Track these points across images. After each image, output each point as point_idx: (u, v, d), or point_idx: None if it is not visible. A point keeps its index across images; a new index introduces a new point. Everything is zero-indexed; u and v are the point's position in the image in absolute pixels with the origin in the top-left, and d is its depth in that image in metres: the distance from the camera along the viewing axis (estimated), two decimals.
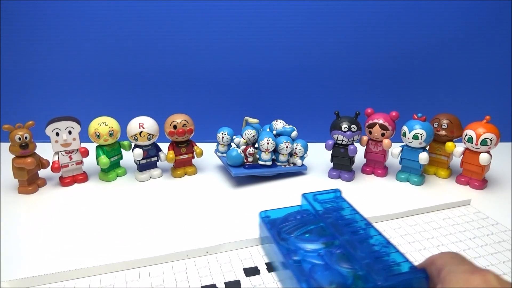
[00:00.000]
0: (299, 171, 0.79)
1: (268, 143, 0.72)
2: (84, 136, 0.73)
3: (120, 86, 0.99)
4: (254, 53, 0.98)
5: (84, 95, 0.99)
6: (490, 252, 0.52)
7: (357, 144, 0.75)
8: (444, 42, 0.98)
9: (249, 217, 0.60)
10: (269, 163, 0.74)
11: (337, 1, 0.94)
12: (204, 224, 0.59)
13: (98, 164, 0.73)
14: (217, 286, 0.46)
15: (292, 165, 0.77)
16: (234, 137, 0.77)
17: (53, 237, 0.56)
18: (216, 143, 0.79)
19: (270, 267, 0.49)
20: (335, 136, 0.73)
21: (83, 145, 0.74)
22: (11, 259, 0.50)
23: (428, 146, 0.76)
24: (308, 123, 0.92)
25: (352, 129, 0.72)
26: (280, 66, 0.99)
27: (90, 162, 0.76)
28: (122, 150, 0.78)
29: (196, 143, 0.79)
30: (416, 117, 0.72)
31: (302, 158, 0.78)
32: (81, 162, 0.75)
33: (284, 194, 0.70)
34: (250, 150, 0.73)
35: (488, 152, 0.69)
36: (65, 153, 0.72)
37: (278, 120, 0.79)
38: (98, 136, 0.72)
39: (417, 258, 0.51)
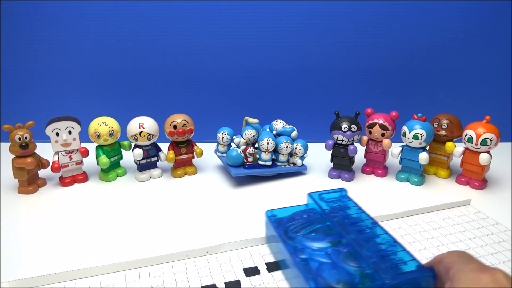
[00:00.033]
0: (299, 171, 0.79)
1: (268, 143, 0.72)
2: (84, 136, 0.73)
3: (120, 86, 0.99)
4: (254, 53, 0.98)
5: (84, 95, 0.99)
6: (490, 252, 0.52)
7: (357, 144, 0.75)
8: (444, 42, 0.98)
9: (249, 217, 0.61)
10: (269, 163, 0.74)
11: (337, 1, 0.94)
12: (204, 224, 0.59)
13: (98, 164, 0.73)
14: (217, 286, 0.46)
15: (292, 165, 0.77)
16: (234, 137, 0.77)
17: (53, 237, 0.56)
18: (216, 143, 0.79)
19: (270, 267, 0.49)
20: (335, 136, 0.73)
21: (83, 145, 0.74)
22: (11, 259, 0.50)
23: (428, 146, 0.76)
24: (308, 123, 0.92)
25: (352, 129, 0.72)
26: (280, 66, 0.99)
27: (90, 162, 0.76)
28: (122, 150, 0.78)
29: (196, 143, 0.79)
30: (416, 117, 0.72)
31: (302, 158, 0.78)
32: (81, 162, 0.75)
33: (284, 194, 0.70)
34: (250, 150, 0.73)
35: (488, 152, 0.69)
36: (65, 153, 0.72)
37: (278, 120, 0.79)
38: (98, 136, 0.72)
39: (417, 258, 0.50)
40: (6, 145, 0.68)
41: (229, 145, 0.77)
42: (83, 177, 0.75)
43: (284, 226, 0.49)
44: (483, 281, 0.31)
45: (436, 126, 0.75)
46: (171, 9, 0.94)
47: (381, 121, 0.74)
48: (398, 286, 0.36)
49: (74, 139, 0.72)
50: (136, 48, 0.96)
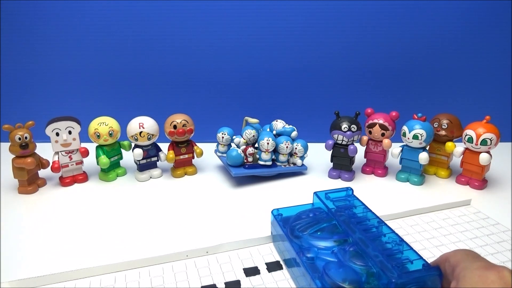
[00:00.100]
0: (299, 171, 0.79)
1: (268, 143, 0.72)
2: (84, 136, 0.73)
3: (120, 86, 0.99)
4: (254, 53, 0.98)
5: (84, 95, 0.99)
6: (490, 252, 0.52)
7: (357, 144, 0.75)
8: (444, 42, 0.98)
9: (249, 217, 0.61)
10: (269, 163, 0.74)
11: (337, 1, 0.94)
12: (204, 224, 0.59)
13: (98, 164, 0.73)
14: (217, 286, 0.46)
15: (292, 165, 0.77)
16: (234, 137, 0.77)
17: (53, 237, 0.56)
18: (216, 143, 0.79)
19: (270, 267, 0.49)
20: (335, 136, 0.73)
21: (83, 145, 0.74)
22: (11, 259, 0.50)
23: (428, 146, 0.76)
24: (308, 123, 0.92)
25: (352, 129, 0.72)
26: (280, 66, 0.99)
27: (90, 162, 0.76)
28: (122, 150, 0.78)
29: (196, 143, 0.79)
30: (416, 117, 0.72)
31: (302, 158, 0.78)
32: (81, 162, 0.75)
33: (284, 194, 0.70)
34: (250, 150, 0.73)
35: (488, 152, 0.69)
36: (65, 153, 0.72)
37: (278, 120, 0.79)
38: (98, 136, 0.72)
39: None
40: (6, 145, 0.68)
41: (229, 145, 0.77)
42: (83, 177, 0.75)
43: (290, 225, 0.49)
44: (489, 279, 0.31)
45: (436, 126, 0.75)
46: (171, 9, 0.94)
47: (381, 121, 0.74)
48: (404, 285, 0.36)
49: (74, 139, 0.72)
50: (136, 48, 0.96)
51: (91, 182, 0.75)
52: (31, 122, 0.68)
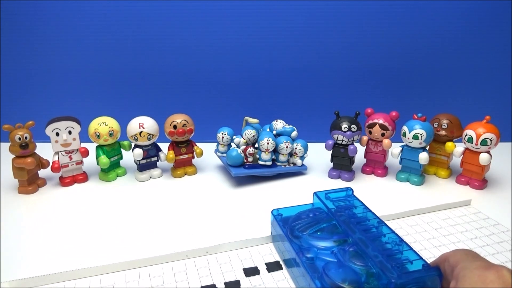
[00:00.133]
0: (299, 171, 0.79)
1: (268, 143, 0.72)
2: (84, 136, 0.73)
3: (120, 86, 0.99)
4: (254, 53, 0.98)
5: (84, 95, 1.00)
6: (490, 252, 0.52)
7: (357, 144, 0.75)
8: (444, 42, 0.98)
9: (249, 217, 0.61)
10: (269, 163, 0.74)
11: (337, 1, 0.94)
12: (204, 224, 0.59)
13: (98, 164, 0.73)
14: (216, 286, 0.46)
15: (292, 165, 0.77)
16: (234, 137, 0.77)
17: (53, 237, 0.56)
18: (216, 143, 0.79)
19: (270, 267, 0.49)
20: (335, 136, 0.73)
21: (83, 145, 0.74)
22: (11, 259, 0.50)
23: (428, 146, 0.76)
24: (308, 123, 0.92)
25: (352, 129, 0.72)
26: (280, 66, 0.99)
27: (90, 162, 0.76)
28: (122, 150, 0.78)
29: (196, 143, 0.79)
30: (416, 117, 0.72)
31: (302, 158, 0.77)
32: (81, 162, 0.75)
33: (284, 194, 0.70)
34: (250, 150, 0.73)
35: (488, 152, 0.69)
36: (65, 153, 0.72)
37: (278, 120, 0.79)
38: (98, 136, 0.72)
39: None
40: (6, 145, 0.68)
41: (229, 145, 0.77)
42: (83, 177, 0.75)
43: (290, 225, 0.49)
44: (488, 279, 0.31)
45: (436, 126, 0.75)
46: (171, 9, 0.94)
47: (381, 121, 0.74)
48: (403, 285, 0.36)
49: (74, 139, 0.72)
50: (136, 48, 0.96)
51: (91, 182, 0.75)
52: (31, 122, 0.68)
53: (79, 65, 0.97)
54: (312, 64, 0.99)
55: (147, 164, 0.76)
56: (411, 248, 0.41)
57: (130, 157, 0.77)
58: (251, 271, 0.48)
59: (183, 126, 0.74)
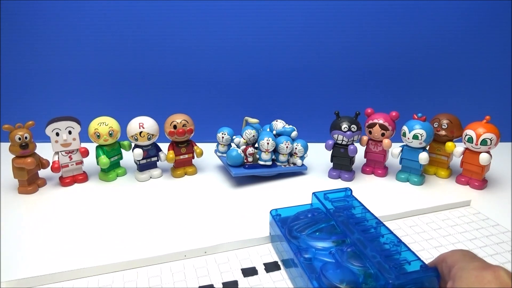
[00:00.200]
0: (299, 171, 0.79)
1: (268, 143, 0.72)
2: (84, 136, 0.73)
3: (120, 86, 1.00)
4: (254, 53, 0.98)
5: (84, 95, 1.00)
6: (489, 253, 0.52)
7: (357, 144, 0.74)
8: (444, 42, 0.97)
9: (248, 218, 0.61)
10: (269, 163, 0.74)
11: (337, 1, 0.94)
12: (202, 224, 0.59)
13: (98, 164, 0.73)
14: (214, 286, 0.46)
15: (292, 165, 0.77)
16: (234, 137, 0.77)
17: (52, 237, 0.56)
18: (216, 143, 0.79)
19: (268, 267, 0.49)
20: (335, 136, 0.73)
21: (83, 145, 0.74)
22: (11, 259, 0.50)
23: (428, 146, 0.75)
24: (308, 123, 0.92)
25: (352, 129, 0.72)
26: (280, 66, 0.99)
27: (90, 162, 0.76)
28: (122, 150, 0.78)
29: (196, 143, 0.79)
30: (416, 117, 0.72)
31: (302, 158, 0.77)
32: (81, 162, 0.75)
33: (284, 194, 0.70)
34: (250, 150, 0.73)
35: (488, 152, 0.69)
36: (65, 153, 0.72)
37: (278, 120, 0.79)
38: (98, 136, 0.72)
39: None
40: (6, 145, 0.68)
41: (229, 145, 0.77)
42: (83, 177, 0.75)
43: (289, 226, 0.49)
44: (485, 279, 0.31)
45: (436, 126, 0.75)
46: (171, 9, 0.94)
47: (381, 121, 0.74)
48: (401, 286, 0.36)
49: (74, 139, 0.72)
50: (136, 48, 0.96)
51: (91, 182, 0.75)
52: (31, 122, 0.68)
53: (79, 65, 0.97)
54: (312, 64, 0.99)
55: (147, 164, 0.76)
56: (409, 249, 0.41)
57: (130, 157, 0.77)
58: (249, 272, 0.48)
59: (183, 126, 0.74)
